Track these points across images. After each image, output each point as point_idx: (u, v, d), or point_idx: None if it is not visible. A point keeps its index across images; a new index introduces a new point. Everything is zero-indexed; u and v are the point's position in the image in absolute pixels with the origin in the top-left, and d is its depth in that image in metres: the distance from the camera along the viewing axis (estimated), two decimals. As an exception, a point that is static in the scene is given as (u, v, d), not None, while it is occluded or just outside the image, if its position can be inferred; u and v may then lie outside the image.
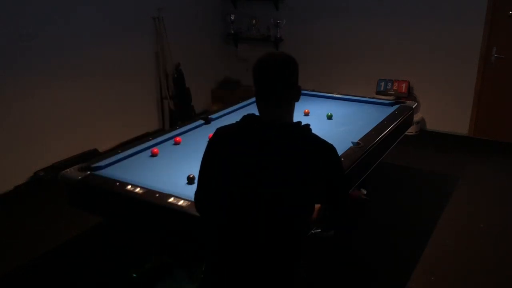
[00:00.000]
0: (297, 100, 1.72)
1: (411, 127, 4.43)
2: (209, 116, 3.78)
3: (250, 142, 1.66)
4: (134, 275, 2.84)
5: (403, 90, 5.57)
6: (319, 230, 3.37)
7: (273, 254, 1.68)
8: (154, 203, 2.38)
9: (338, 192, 1.75)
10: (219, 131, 1.75)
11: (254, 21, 6.29)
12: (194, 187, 2.53)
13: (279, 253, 1.69)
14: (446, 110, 5.56)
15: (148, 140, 3.28)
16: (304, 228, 1.77)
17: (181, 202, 2.32)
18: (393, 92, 5.58)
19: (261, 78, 1.65)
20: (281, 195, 1.62)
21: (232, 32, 6.47)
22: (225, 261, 1.74)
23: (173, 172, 2.81)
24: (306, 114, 3.88)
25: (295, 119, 1.72)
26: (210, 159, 1.73)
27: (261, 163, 1.62)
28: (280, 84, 1.63)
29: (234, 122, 1.75)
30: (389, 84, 5.67)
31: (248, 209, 1.65)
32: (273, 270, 1.69)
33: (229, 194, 1.68)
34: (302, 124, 1.69)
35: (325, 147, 1.68)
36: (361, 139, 3.18)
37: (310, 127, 1.71)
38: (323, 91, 4.59)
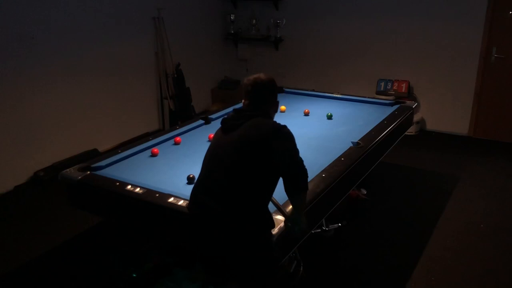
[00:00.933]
0: (275, 111, 2.30)
1: (411, 127, 4.44)
2: (209, 116, 3.78)
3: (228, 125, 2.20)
4: (134, 275, 2.84)
5: (403, 90, 5.57)
6: (319, 230, 3.38)
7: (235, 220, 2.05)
8: (154, 203, 2.38)
9: (290, 168, 2.08)
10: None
11: (254, 21, 6.29)
12: (194, 187, 2.56)
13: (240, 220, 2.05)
14: (446, 110, 5.57)
15: (148, 140, 3.28)
16: (261, 201, 2.10)
17: (181, 202, 2.32)
18: (393, 92, 5.58)
19: (253, 95, 2.20)
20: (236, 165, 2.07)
21: (232, 32, 6.47)
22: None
23: (173, 172, 2.81)
24: (306, 114, 3.87)
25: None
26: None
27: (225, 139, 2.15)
28: (266, 100, 2.23)
29: None
30: (389, 84, 5.67)
31: (213, 174, 2.13)
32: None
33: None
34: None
35: (277, 128, 2.10)
36: (361, 139, 3.19)
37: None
38: (323, 91, 4.59)
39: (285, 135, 2.10)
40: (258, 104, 2.20)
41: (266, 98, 2.23)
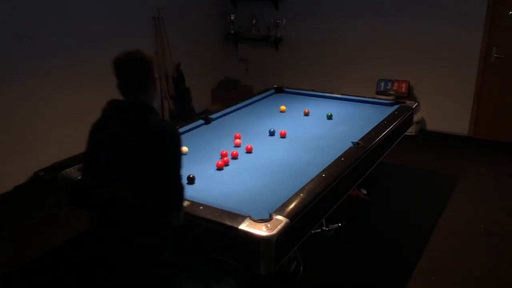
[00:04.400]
0: (154, 90, 2.14)
1: (411, 127, 4.43)
2: (209, 116, 3.78)
3: (111, 122, 2.15)
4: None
5: (403, 90, 5.57)
6: (319, 230, 3.38)
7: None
8: (154, 203, 2.37)
9: (171, 175, 1.95)
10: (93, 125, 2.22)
11: (254, 21, 6.29)
12: (194, 187, 2.56)
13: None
14: (446, 110, 5.57)
15: (148, 140, 3.27)
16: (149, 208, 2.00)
17: (181, 202, 2.31)
18: (393, 92, 5.58)
19: (119, 73, 2.14)
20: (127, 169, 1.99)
21: (232, 32, 6.47)
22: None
23: (173, 172, 2.80)
24: (306, 114, 3.87)
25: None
26: (88, 144, 2.22)
27: (114, 139, 2.08)
28: (133, 79, 2.13)
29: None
30: (389, 84, 5.67)
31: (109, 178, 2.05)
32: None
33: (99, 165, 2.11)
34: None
35: (166, 128, 1.98)
36: (361, 139, 3.18)
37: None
38: (323, 91, 4.59)
39: (176, 138, 2.02)
40: (133, 90, 2.17)
41: (137, 84, 2.15)
